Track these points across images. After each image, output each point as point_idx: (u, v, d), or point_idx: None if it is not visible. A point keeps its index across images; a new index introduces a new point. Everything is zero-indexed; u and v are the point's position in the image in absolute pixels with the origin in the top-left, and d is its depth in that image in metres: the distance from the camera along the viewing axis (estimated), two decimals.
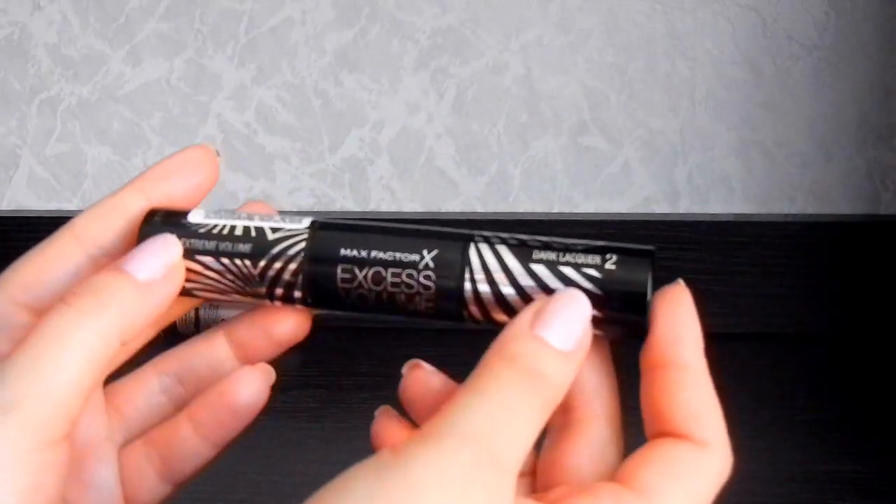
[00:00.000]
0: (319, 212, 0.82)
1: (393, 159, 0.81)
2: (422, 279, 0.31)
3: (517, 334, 0.29)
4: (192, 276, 0.33)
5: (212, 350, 0.36)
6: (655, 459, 0.30)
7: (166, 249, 0.32)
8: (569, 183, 0.80)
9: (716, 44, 0.77)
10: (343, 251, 0.32)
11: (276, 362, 0.36)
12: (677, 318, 0.31)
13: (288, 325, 0.34)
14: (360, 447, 0.28)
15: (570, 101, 0.79)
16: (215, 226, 0.33)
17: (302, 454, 0.65)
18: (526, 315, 0.30)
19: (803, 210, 0.79)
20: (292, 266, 0.32)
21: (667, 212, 0.80)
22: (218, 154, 0.35)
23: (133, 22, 0.81)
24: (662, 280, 0.31)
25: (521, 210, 0.81)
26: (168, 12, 0.80)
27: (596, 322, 0.30)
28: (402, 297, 0.32)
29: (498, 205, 0.81)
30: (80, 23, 0.81)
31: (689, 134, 0.78)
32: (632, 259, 0.30)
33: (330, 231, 0.33)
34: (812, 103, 0.77)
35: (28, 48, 0.82)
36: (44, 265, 0.33)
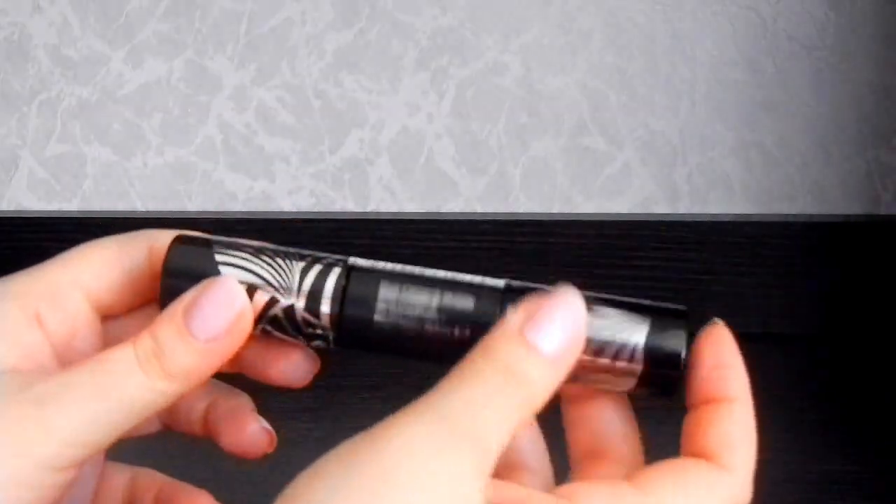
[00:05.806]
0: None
1: (393, 159, 0.81)
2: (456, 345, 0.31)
3: (505, 335, 0.29)
4: None
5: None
6: (670, 468, 0.30)
7: (230, 303, 0.31)
8: (569, 183, 0.80)
9: (716, 44, 0.77)
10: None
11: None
12: (722, 362, 0.31)
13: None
14: None
15: (570, 101, 0.79)
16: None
17: (302, 454, 0.65)
18: (518, 315, 0.29)
19: (803, 210, 0.79)
20: (327, 336, 0.33)
21: (667, 212, 0.80)
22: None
23: (133, 22, 0.81)
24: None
25: (521, 210, 0.81)
26: (168, 12, 0.80)
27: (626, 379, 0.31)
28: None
29: (498, 205, 0.81)
30: (80, 23, 0.81)
31: (689, 134, 0.78)
32: (665, 345, 0.31)
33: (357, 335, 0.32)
34: (812, 103, 0.77)
35: (28, 49, 0.82)
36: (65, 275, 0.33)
